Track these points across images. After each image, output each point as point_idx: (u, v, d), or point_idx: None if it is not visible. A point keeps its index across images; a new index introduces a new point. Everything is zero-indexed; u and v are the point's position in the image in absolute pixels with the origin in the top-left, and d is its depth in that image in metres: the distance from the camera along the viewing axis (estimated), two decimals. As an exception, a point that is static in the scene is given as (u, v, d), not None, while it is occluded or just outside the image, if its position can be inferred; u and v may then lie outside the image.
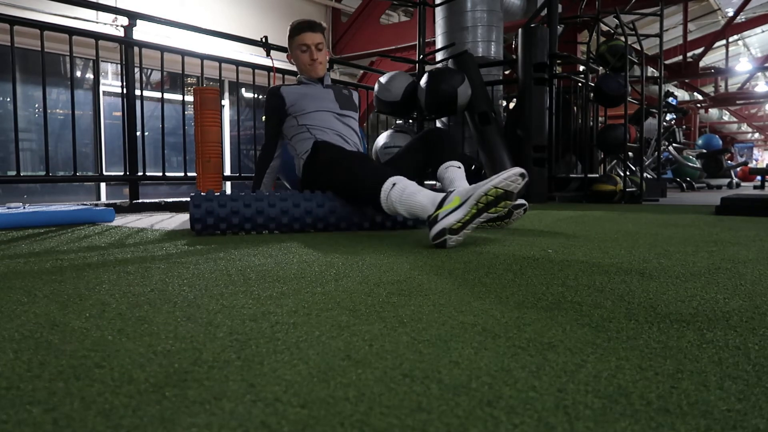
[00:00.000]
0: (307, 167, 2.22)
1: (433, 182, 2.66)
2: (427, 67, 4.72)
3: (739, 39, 15.64)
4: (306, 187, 2.20)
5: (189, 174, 3.54)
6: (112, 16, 6.52)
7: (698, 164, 8.82)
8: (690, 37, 11.10)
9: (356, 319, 0.79)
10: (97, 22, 6.52)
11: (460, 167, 2.10)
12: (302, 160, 2.25)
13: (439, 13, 4.81)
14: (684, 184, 7.89)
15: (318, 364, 0.60)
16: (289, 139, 2.32)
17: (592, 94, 4.63)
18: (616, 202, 4.31)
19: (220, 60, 3.67)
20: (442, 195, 1.62)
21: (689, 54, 10.28)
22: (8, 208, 2.33)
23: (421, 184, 1.89)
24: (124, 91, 3.26)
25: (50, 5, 5.61)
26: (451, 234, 1.53)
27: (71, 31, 3.01)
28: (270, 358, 0.63)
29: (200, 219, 1.86)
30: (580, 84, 4.64)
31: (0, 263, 1.29)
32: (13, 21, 2.77)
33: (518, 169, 1.54)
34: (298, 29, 2.32)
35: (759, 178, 8.86)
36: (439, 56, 4.73)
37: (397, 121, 4.83)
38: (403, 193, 1.70)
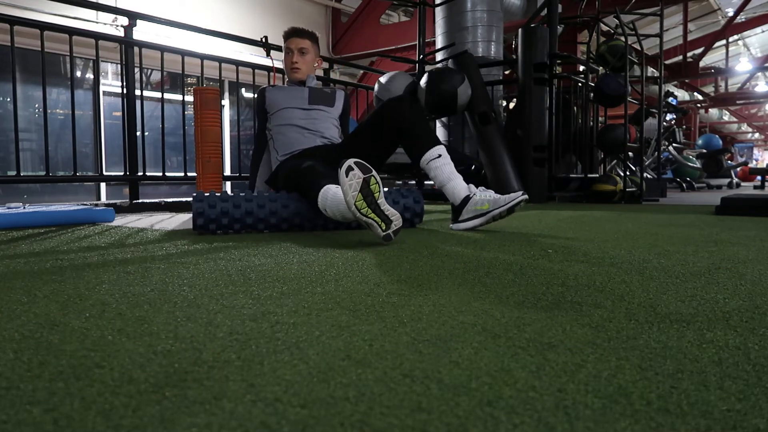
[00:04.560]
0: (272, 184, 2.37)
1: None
2: (427, 67, 4.72)
3: (739, 39, 15.65)
4: None
5: (189, 174, 3.54)
6: (112, 16, 6.53)
7: (698, 164, 8.82)
8: (690, 37, 11.11)
9: (356, 319, 0.79)
10: (97, 22, 6.52)
11: (440, 156, 2.02)
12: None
13: (439, 13, 4.81)
14: (684, 184, 7.89)
15: (318, 364, 0.60)
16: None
17: (592, 94, 4.63)
18: (616, 202, 4.31)
19: (220, 60, 3.67)
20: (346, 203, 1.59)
21: (689, 54, 10.28)
22: (8, 208, 2.33)
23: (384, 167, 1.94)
24: (124, 91, 3.26)
25: (50, 5, 5.61)
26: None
27: (71, 31, 3.01)
28: (270, 358, 0.63)
29: (203, 216, 1.88)
30: (580, 84, 4.64)
31: (0, 263, 1.29)
32: (13, 21, 2.77)
33: (350, 161, 1.54)
34: (287, 34, 2.46)
35: (759, 178, 8.86)
36: (439, 56, 4.73)
37: (397, 121, 4.82)
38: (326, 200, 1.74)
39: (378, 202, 1.58)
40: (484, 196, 2.00)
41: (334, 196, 1.71)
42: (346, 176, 1.54)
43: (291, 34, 2.43)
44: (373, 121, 2.15)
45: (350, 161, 1.55)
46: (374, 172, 1.59)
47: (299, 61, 2.40)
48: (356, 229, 2.03)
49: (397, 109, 2.08)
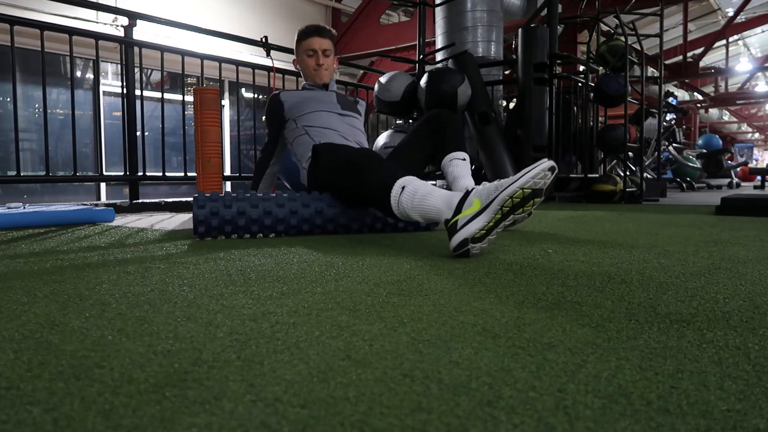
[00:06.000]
0: (311, 174, 2.10)
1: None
2: (427, 67, 4.72)
3: (739, 39, 15.65)
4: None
5: (189, 174, 3.54)
6: (112, 16, 6.53)
7: (698, 164, 8.82)
8: (690, 37, 11.11)
9: (356, 319, 0.79)
10: (97, 22, 6.52)
11: (465, 159, 2.02)
12: (305, 169, 2.15)
13: (439, 13, 4.81)
14: (684, 184, 7.89)
15: (318, 364, 0.60)
16: (290, 144, 2.25)
17: (592, 94, 4.63)
18: (616, 202, 4.31)
19: (220, 60, 3.67)
20: (458, 196, 1.45)
21: (689, 54, 10.28)
22: (8, 208, 2.33)
23: (429, 176, 1.82)
24: (124, 91, 3.26)
25: (50, 5, 5.61)
26: (474, 243, 1.37)
27: (71, 31, 3.01)
28: (270, 358, 0.63)
29: (204, 224, 1.84)
30: (580, 84, 4.63)
31: (0, 263, 1.29)
32: (13, 21, 2.77)
33: (547, 164, 1.32)
34: (306, 33, 2.29)
35: (759, 178, 8.86)
36: (439, 56, 4.73)
37: (397, 121, 4.82)
38: (414, 196, 1.54)
39: (513, 216, 1.35)
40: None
41: (420, 190, 1.55)
42: (545, 168, 1.31)
43: (311, 33, 2.28)
44: (418, 128, 2.17)
45: (554, 165, 1.33)
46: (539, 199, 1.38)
47: (325, 63, 2.28)
48: (356, 232, 2.03)
49: (443, 121, 2.11)
